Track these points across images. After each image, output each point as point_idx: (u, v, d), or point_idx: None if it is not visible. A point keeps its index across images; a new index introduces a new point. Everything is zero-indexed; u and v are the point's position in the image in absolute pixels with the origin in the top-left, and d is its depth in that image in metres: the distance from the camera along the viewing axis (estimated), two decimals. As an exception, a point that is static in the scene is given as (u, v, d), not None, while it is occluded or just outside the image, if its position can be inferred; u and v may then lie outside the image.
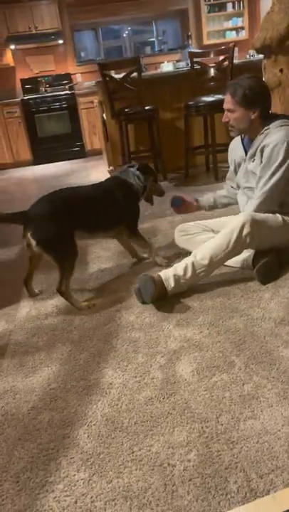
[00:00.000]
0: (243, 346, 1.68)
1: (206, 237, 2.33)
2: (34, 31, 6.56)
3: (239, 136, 2.27)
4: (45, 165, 6.61)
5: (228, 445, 1.25)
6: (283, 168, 2.04)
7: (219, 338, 1.75)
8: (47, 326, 2.02)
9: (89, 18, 6.95)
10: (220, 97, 3.91)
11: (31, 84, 6.85)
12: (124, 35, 7.62)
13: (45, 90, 6.78)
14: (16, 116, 6.50)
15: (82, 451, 1.30)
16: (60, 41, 6.79)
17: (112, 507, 1.12)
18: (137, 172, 2.41)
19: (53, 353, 1.81)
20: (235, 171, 2.35)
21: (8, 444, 1.37)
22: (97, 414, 1.44)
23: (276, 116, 2.14)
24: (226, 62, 4.11)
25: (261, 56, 3.08)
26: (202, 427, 1.32)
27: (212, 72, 4.16)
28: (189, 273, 2.04)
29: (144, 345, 1.77)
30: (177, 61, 6.97)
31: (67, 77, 6.98)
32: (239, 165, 2.30)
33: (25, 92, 6.83)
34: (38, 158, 6.69)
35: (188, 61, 4.33)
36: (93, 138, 6.71)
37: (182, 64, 6.70)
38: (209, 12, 6.94)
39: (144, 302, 2.05)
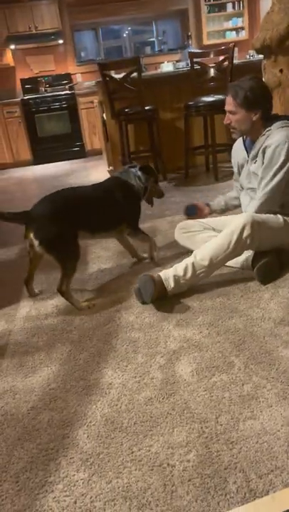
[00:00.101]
0: (242, 346, 1.68)
1: (206, 235, 2.34)
2: (34, 31, 6.56)
3: (241, 138, 2.28)
4: (45, 165, 6.61)
5: (227, 445, 1.25)
6: (285, 169, 2.05)
7: (219, 339, 1.75)
8: (47, 326, 2.02)
9: (89, 18, 6.95)
10: (220, 97, 3.91)
11: (31, 84, 6.85)
12: (124, 35, 7.62)
13: (45, 90, 6.78)
14: (16, 116, 6.51)
15: (82, 452, 1.30)
16: (60, 41, 6.79)
17: (111, 507, 1.12)
18: (139, 172, 2.41)
19: (52, 353, 1.81)
20: (239, 173, 2.35)
21: (7, 444, 1.37)
22: (97, 415, 1.44)
23: (278, 118, 2.14)
24: (226, 63, 4.11)
25: (261, 56, 3.08)
26: (201, 427, 1.33)
27: (212, 72, 4.16)
28: (189, 273, 2.04)
29: (144, 346, 1.77)
30: (177, 61, 6.97)
31: (68, 77, 6.99)
32: (242, 166, 2.30)
33: (25, 92, 6.83)
34: (38, 158, 6.69)
35: (188, 61, 4.33)
36: (93, 138, 6.72)
37: (182, 64, 6.71)
38: (209, 12, 6.94)
39: (143, 302, 2.05)
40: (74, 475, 1.23)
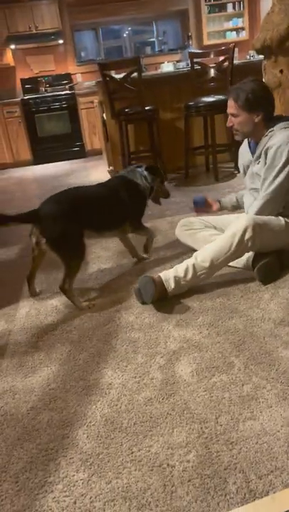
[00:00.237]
0: (242, 347, 1.68)
1: (208, 233, 2.34)
2: (34, 31, 6.56)
3: (246, 141, 2.28)
4: (45, 165, 6.61)
5: (227, 446, 1.25)
6: (287, 169, 2.04)
7: (219, 339, 1.75)
8: (47, 326, 2.02)
9: (89, 18, 6.95)
10: (220, 97, 3.92)
11: (31, 84, 6.85)
12: (125, 35, 7.62)
13: (45, 90, 6.78)
14: (16, 116, 6.50)
15: (82, 452, 1.30)
16: (60, 41, 6.79)
17: (111, 507, 1.12)
18: (145, 172, 2.42)
19: (52, 353, 1.81)
20: (245, 174, 2.36)
21: (7, 444, 1.37)
22: (97, 415, 1.44)
23: (280, 118, 2.15)
24: (226, 63, 4.11)
25: (261, 57, 3.08)
26: (201, 428, 1.32)
27: (212, 72, 4.16)
28: (190, 275, 2.04)
29: (144, 346, 1.77)
30: (177, 61, 6.98)
31: (68, 77, 6.98)
32: (247, 168, 2.31)
33: (26, 91, 6.83)
34: (38, 158, 6.69)
35: (189, 61, 4.33)
36: (93, 138, 6.71)
37: (182, 64, 6.71)
38: (209, 12, 6.95)
39: (143, 302, 2.05)
40: (74, 475, 1.23)
